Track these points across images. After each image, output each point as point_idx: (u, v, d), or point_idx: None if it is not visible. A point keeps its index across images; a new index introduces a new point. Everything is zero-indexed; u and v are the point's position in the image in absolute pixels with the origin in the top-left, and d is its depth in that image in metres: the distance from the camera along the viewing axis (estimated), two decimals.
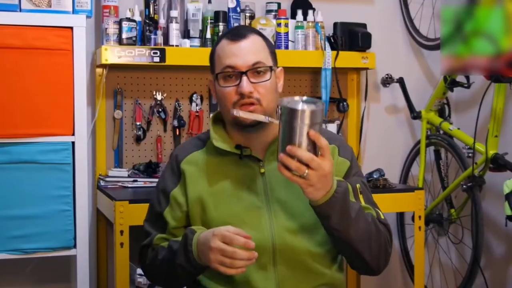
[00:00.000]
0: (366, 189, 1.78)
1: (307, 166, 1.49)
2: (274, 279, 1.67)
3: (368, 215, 1.67)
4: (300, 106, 1.49)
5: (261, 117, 1.65)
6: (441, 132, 3.18)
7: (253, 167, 1.73)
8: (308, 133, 1.49)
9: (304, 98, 1.53)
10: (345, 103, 3.18)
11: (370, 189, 1.82)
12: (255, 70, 1.69)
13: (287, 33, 2.98)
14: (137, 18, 2.80)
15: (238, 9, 2.91)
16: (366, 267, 1.70)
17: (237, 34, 1.72)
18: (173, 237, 1.75)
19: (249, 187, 1.71)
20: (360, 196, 1.72)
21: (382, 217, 1.74)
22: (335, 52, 3.03)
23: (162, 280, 1.77)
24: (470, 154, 2.95)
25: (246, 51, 1.69)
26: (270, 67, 1.71)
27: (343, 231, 1.60)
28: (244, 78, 1.67)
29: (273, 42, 2.97)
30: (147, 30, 2.81)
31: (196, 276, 1.71)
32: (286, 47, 2.98)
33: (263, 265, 1.66)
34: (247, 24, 2.96)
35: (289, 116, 1.49)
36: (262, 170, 1.72)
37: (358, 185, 1.73)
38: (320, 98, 3.09)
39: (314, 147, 1.51)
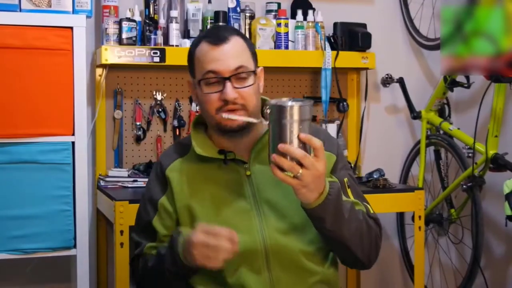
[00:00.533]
0: (354, 182, 1.77)
1: (300, 165, 1.48)
2: (269, 282, 1.65)
3: (359, 212, 1.67)
4: (288, 103, 1.49)
5: (251, 119, 1.64)
6: (441, 132, 3.18)
7: (238, 171, 1.71)
8: (298, 136, 1.48)
9: (292, 98, 1.53)
10: (345, 103, 3.18)
11: (357, 181, 1.81)
12: (239, 75, 1.65)
13: (287, 33, 2.98)
14: (137, 18, 2.80)
15: (238, 9, 2.91)
16: (357, 263, 1.70)
17: (218, 37, 1.67)
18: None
19: (236, 191, 1.69)
20: (348, 190, 1.71)
21: (372, 211, 1.73)
22: (335, 52, 3.03)
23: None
24: (470, 154, 2.95)
25: (228, 55, 1.65)
26: (253, 71, 1.68)
27: (336, 232, 1.60)
28: (228, 84, 1.64)
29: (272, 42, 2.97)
30: (147, 30, 2.81)
31: (185, 280, 1.68)
32: (286, 47, 2.98)
33: (257, 269, 1.65)
34: (247, 24, 2.97)
35: (278, 114, 1.49)
36: (248, 173, 1.70)
37: (346, 179, 1.72)
38: (320, 98, 3.09)
39: (305, 147, 1.50)
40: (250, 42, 1.74)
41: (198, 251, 1.53)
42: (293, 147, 1.48)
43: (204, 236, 1.52)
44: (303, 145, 1.49)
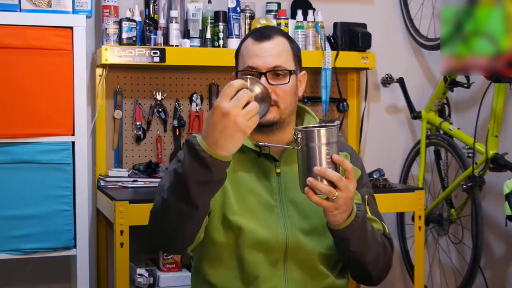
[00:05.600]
0: (373, 201, 1.81)
1: (334, 187, 1.50)
2: (284, 277, 1.69)
3: (378, 233, 1.71)
4: (315, 128, 1.53)
5: (284, 146, 1.69)
6: (441, 132, 3.18)
7: (269, 166, 1.74)
8: (332, 158, 1.51)
9: (317, 124, 1.59)
10: (345, 103, 3.18)
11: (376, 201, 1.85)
12: (275, 72, 1.70)
13: None
14: (137, 18, 2.80)
15: (238, 9, 2.91)
16: (368, 281, 1.75)
17: (262, 34, 1.73)
18: None
19: (264, 185, 1.73)
20: (367, 208, 1.74)
21: (388, 231, 1.77)
22: (335, 52, 3.03)
23: (165, 227, 1.60)
24: (470, 154, 2.95)
25: (268, 53, 1.70)
26: (290, 71, 1.72)
27: (359, 253, 1.64)
28: (263, 79, 1.68)
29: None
30: (147, 30, 2.81)
31: (196, 190, 1.50)
32: None
33: (274, 262, 1.68)
34: (247, 24, 2.97)
35: (306, 138, 1.52)
36: (278, 170, 1.74)
37: (366, 196, 1.76)
38: (320, 98, 3.09)
39: (336, 169, 1.53)
40: (295, 45, 1.78)
41: (240, 118, 1.42)
42: (329, 170, 1.50)
43: (229, 100, 1.42)
44: (334, 166, 1.52)
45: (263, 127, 1.71)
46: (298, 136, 1.54)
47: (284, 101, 1.70)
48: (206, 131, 1.46)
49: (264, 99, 1.52)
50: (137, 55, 2.73)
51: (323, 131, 1.52)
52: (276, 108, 1.69)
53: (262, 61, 1.69)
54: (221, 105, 1.42)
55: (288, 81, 1.71)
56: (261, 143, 1.68)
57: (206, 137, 1.46)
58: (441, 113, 3.27)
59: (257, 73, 1.69)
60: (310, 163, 1.52)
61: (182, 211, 1.54)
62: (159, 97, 2.95)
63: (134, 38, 2.76)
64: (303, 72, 1.80)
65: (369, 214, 1.73)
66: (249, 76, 1.53)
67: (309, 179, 1.51)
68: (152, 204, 1.68)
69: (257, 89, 1.50)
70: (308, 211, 1.71)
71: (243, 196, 1.71)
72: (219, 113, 1.43)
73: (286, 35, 1.78)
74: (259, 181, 1.73)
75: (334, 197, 1.50)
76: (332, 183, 1.51)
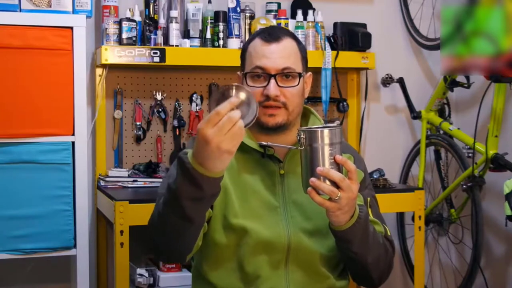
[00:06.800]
0: (376, 203, 1.81)
1: (337, 187, 1.51)
2: (285, 278, 1.69)
3: (379, 236, 1.71)
4: (318, 128, 1.54)
5: (288, 146, 1.68)
6: (441, 132, 3.18)
7: (273, 168, 1.74)
8: (335, 158, 1.52)
9: (321, 125, 1.59)
10: (345, 103, 3.18)
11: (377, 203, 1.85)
12: (284, 74, 1.70)
13: None
14: (137, 18, 2.80)
15: (238, 9, 2.91)
16: (368, 282, 1.75)
17: (271, 35, 1.72)
18: None
19: (268, 186, 1.72)
20: (369, 210, 1.74)
21: (389, 233, 1.78)
22: (335, 52, 3.04)
23: (162, 239, 1.61)
24: (470, 154, 2.95)
25: (278, 55, 1.70)
26: (299, 73, 1.72)
27: (361, 255, 1.64)
28: (272, 81, 1.68)
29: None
30: (147, 30, 2.81)
31: (191, 207, 1.50)
32: None
33: (276, 263, 1.68)
34: (247, 24, 2.97)
35: (309, 139, 1.53)
36: (282, 172, 1.73)
37: (369, 199, 1.76)
38: (320, 98, 3.09)
39: (339, 169, 1.53)
40: (302, 47, 1.78)
41: (217, 143, 1.40)
42: (332, 171, 1.51)
43: (212, 126, 1.40)
44: (337, 167, 1.53)
45: (270, 130, 1.71)
46: (302, 136, 1.54)
47: (292, 103, 1.70)
48: (194, 150, 1.46)
49: (251, 104, 1.50)
50: (137, 55, 2.74)
51: (326, 131, 1.52)
52: (284, 110, 1.70)
53: (271, 63, 1.69)
54: (204, 132, 1.40)
55: (298, 84, 1.71)
56: (264, 143, 1.68)
57: (195, 155, 1.45)
58: (441, 113, 3.27)
59: (266, 75, 1.69)
60: (313, 164, 1.52)
61: (177, 226, 1.55)
62: (159, 97, 2.95)
63: (134, 38, 2.76)
64: (309, 73, 1.81)
65: (371, 216, 1.73)
66: (235, 84, 1.51)
67: (312, 179, 1.51)
68: (152, 204, 1.68)
69: (244, 96, 1.48)
70: (311, 212, 1.71)
71: (246, 197, 1.70)
72: (202, 140, 1.41)
73: (294, 36, 1.77)
74: (263, 182, 1.72)
75: (337, 198, 1.51)
76: (335, 184, 1.51)
